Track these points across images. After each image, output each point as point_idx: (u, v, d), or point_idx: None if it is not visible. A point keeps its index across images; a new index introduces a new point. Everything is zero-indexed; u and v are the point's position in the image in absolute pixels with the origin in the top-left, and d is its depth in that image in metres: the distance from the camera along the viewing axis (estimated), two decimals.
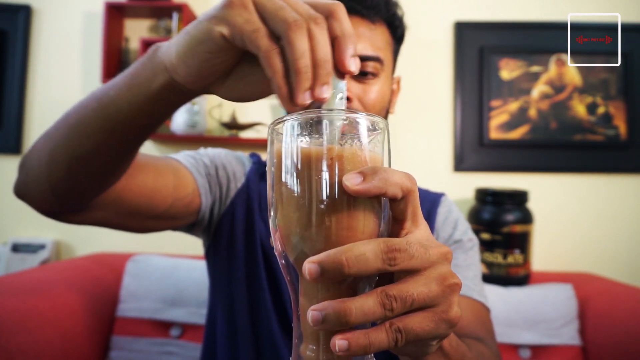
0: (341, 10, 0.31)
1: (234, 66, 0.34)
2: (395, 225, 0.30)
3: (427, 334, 0.27)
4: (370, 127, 0.29)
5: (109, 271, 1.28)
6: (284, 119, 0.29)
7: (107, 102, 0.41)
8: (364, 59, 0.63)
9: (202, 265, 1.27)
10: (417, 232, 0.29)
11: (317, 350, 0.28)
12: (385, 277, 0.28)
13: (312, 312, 0.26)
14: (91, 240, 1.65)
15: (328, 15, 0.31)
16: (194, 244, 1.47)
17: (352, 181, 0.26)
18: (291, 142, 0.28)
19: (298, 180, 0.28)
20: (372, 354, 0.30)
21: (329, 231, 0.27)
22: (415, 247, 0.27)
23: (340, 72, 0.31)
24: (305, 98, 0.29)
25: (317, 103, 0.30)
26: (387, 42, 0.68)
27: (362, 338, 0.25)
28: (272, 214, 0.30)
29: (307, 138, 0.28)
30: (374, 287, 0.27)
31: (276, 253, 0.31)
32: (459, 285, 0.28)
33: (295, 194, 0.28)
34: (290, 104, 0.29)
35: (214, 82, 0.35)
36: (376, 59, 0.64)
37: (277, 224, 0.30)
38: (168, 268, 1.28)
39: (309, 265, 0.25)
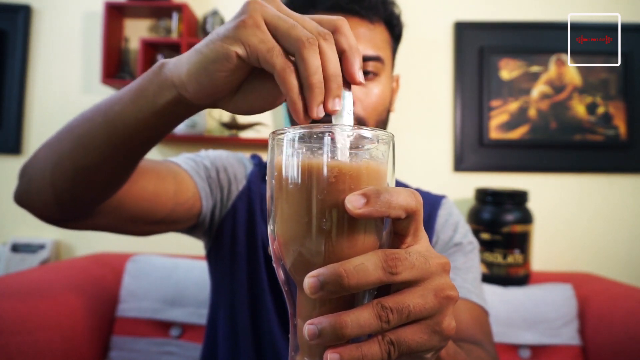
0: (345, 25, 0.32)
1: (242, 83, 0.35)
2: (395, 239, 0.29)
3: (420, 346, 0.26)
4: (375, 141, 0.29)
5: (109, 271, 1.28)
6: (286, 130, 0.28)
7: (113, 117, 0.41)
8: (365, 59, 0.63)
9: (202, 265, 1.27)
10: (417, 245, 0.29)
11: None
12: (383, 292, 0.28)
13: (308, 326, 0.25)
14: (91, 240, 1.65)
15: (334, 31, 0.32)
16: (194, 244, 1.47)
17: (355, 204, 0.25)
18: (292, 156, 0.28)
19: (298, 195, 0.27)
20: None
21: (329, 246, 0.27)
22: (416, 257, 0.27)
23: (348, 83, 0.32)
24: (319, 111, 0.30)
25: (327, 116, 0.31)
26: (387, 41, 0.68)
27: (355, 351, 0.25)
28: (271, 225, 0.30)
29: (310, 152, 0.28)
30: None
31: (274, 264, 0.31)
32: (456, 297, 0.28)
33: (295, 208, 0.27)
34: (305, 118, 0.30)
35: (222, 98, 0.36)
36: (377, 59, 0.64)
37: (276, 235, 0.29)
38: (168, 268, 1.28)
39: (309, 280, 0.25)
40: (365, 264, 0.25)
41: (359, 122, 0.63)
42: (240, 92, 0.36)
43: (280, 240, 0.29)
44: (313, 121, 0.30)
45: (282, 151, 0.29)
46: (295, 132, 0.28)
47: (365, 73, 0.64)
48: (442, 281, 0.28)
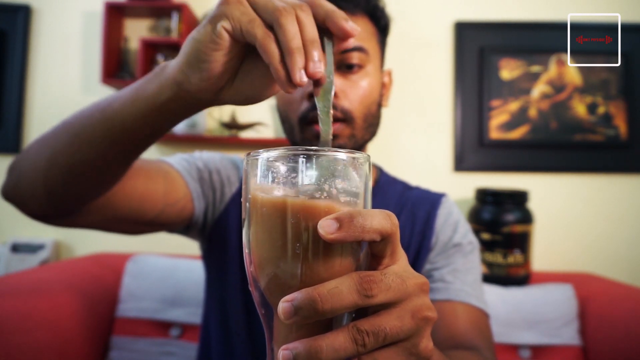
0: None
1: (239, 67, 0.37)
2: (372, 260, 0.29)
3: None
4: (351, 163, 0.28)
5: (109, 271, 1.28)
6: (260, 152, 0.28)
7: (111, 114, 0.42)
8: (346, 50, 0.61)
9: (202, 266, 1.27)
10: (394, 266, 0.28)
11: None
12: (361, 314, 0.27)
13: (282, 352, 0.25)
14: (91, 240, 1.65)
15: (310, 4, 0.34)
16: (194, 244, 1.47)
17: (327, 229, 0.25)
18: (267, 179, 0.27)
19: (272, 219, 0.27)
20: None
21: (304, 270, 0.26)
22: (392, 278, 0.26)
23: (344, 37, 0.35)
24: (301, 76, 0.31)
25: (311, 86, 0.32)
26: (371, 32, 0.67)
27: None
28: (246, 248, 0.29)
29: (284, 175, 0.27)
30: None
31: (250, 288, 0.30)
32: (434, 318, 0.28)
33: (270, 232, 0.27)
34: (289, 84, 0.32)
35: (224, 86, 0.37)
36: (360, 49, 0.63)
37: (252, 258, 0.29)
38: (168, 268, 1.28)
39: (283, 305, 0.25)
40: (339, 288, 0.24)
41: (346, 114, 0.62)
42: (237, 78, 0.37)
43: (255, 263, 0.28)
44: (293, 143, 0.31)
45: (256, 173, 0.28)
46: (269, 154, 0.27)
47: (350, 66, 0.63)
48: (420, 302, 0.27)
